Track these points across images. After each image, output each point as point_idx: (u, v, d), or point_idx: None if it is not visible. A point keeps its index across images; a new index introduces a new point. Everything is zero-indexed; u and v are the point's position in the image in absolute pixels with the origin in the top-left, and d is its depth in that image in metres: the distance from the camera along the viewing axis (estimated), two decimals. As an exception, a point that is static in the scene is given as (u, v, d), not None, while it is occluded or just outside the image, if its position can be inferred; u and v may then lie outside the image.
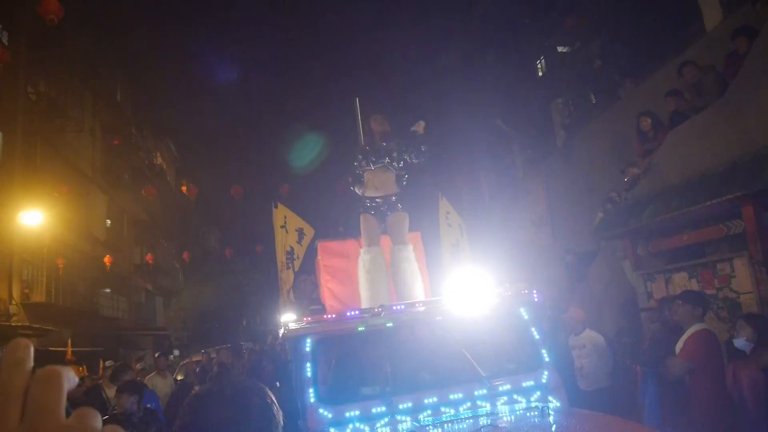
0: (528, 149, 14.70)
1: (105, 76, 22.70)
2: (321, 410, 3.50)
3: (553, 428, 3.37)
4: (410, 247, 4.73)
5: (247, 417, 1.23)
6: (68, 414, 0.52)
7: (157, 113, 29.82)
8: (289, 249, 6.15)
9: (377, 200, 4.72)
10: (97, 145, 21.69)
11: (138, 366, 12.02)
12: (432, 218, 6.59)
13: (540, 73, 17.20)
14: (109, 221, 22.34)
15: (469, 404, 3.61)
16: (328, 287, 5.13)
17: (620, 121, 9.62)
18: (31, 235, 14.70)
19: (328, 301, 5.07)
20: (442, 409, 3.58)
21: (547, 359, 3.93)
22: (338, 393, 3.73)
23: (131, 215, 25.04)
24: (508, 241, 12.78)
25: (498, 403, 3.65)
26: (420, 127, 4.81)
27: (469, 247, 6.19)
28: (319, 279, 5.35)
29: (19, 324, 14.08)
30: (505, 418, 3.51)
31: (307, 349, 3.74)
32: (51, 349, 13.52)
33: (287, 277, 6.07)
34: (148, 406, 5.53)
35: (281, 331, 4.29)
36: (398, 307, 3.90)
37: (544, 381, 3.81)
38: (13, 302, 14.66)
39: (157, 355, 12.53)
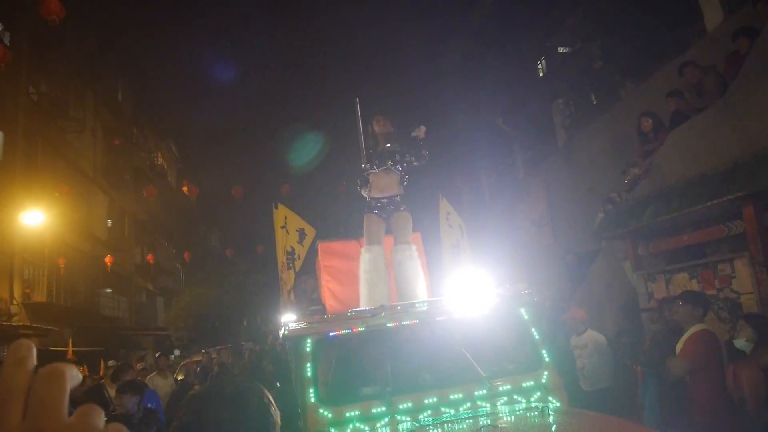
0: (529, 149, 14.70)
1: (106, 76, 22.74)
2: (321, 410, 3.50)
3: (553, 428, 3.37)
4: (413, 247, 4.75)
5: (245, 417, 1.24)
6: (70, 413, 0.51)
7: (158, 113, 29.88)
8: (289, 249, 6.16)
9: (382, 200, 4.78)
10: (98, 145, 21.72)
11: (139, 366, 12.03)
12: (432, 219, 6.59)
13: (541, 74, 17.17)
14: (110, 221, 22.38)
15: (469, 404, 3.61)
16: (329, 288, 5.15)
17: (621, 121, 9.62)
18: (32, 235, 14.73)
19: (329, 301, 5.08)
20: (443, 409, 3.58)
21: (547, 359, 3.94)
22: (338, 393, 3.73)
23: (132, 215, 25.08)
24: (509, 242, 12.78)
25: (498, 404, 3.65)
26: (421, 132, 4.87)
27: (469, 247, 6.19)
28: (320, 279, 5.36)
29: (20, 323, 14.10)
30: (505, 419, 3.51)
31: (308, 349, 3.74)
32: (52, 348, 13.52)
33: (288, 277, 6.08)
34: (149, 405, 5.54)
35: (282, 332, 4.30)
36: (398, 307, 3.91)
37: (544, 381, 3.81)
38: (14, 302, 14.69)
39: (157, 354, 12.54)
